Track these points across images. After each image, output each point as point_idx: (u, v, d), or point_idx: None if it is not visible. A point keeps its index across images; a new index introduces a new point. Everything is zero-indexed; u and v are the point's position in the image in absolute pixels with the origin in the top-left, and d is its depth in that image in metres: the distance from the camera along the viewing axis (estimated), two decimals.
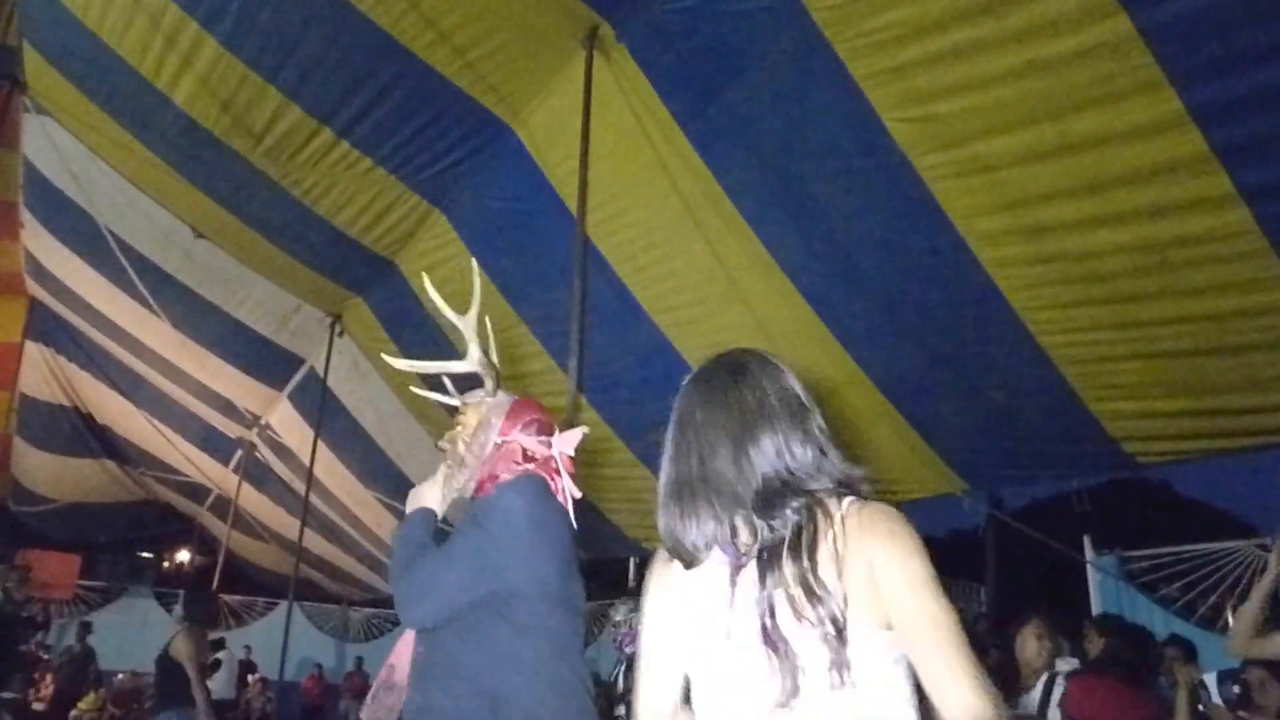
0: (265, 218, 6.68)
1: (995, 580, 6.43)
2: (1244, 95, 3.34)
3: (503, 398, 2.41)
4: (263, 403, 10.75)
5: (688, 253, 5.44)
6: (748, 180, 4.95)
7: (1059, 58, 3.57)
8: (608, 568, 9.19)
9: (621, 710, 5.09)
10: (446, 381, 2.57)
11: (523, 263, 6.22)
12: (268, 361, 9.38)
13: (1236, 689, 3.05)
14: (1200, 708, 3.31)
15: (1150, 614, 6.00)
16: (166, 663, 5.17)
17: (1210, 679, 3.57)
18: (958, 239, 4.30)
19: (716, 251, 5.31)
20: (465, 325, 2.52)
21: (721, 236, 5.21)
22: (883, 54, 3.96)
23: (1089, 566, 5.97)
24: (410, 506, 2.26)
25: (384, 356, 3.14)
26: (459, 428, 2.40)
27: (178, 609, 6.07)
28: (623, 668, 5.17)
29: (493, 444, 2.30)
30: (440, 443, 2.42)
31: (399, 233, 6.62)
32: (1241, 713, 2.98)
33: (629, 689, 4.47)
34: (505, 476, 2.24)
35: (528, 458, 2.28)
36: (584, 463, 7.43)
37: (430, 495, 2.30)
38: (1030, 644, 3.92)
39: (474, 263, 2.67)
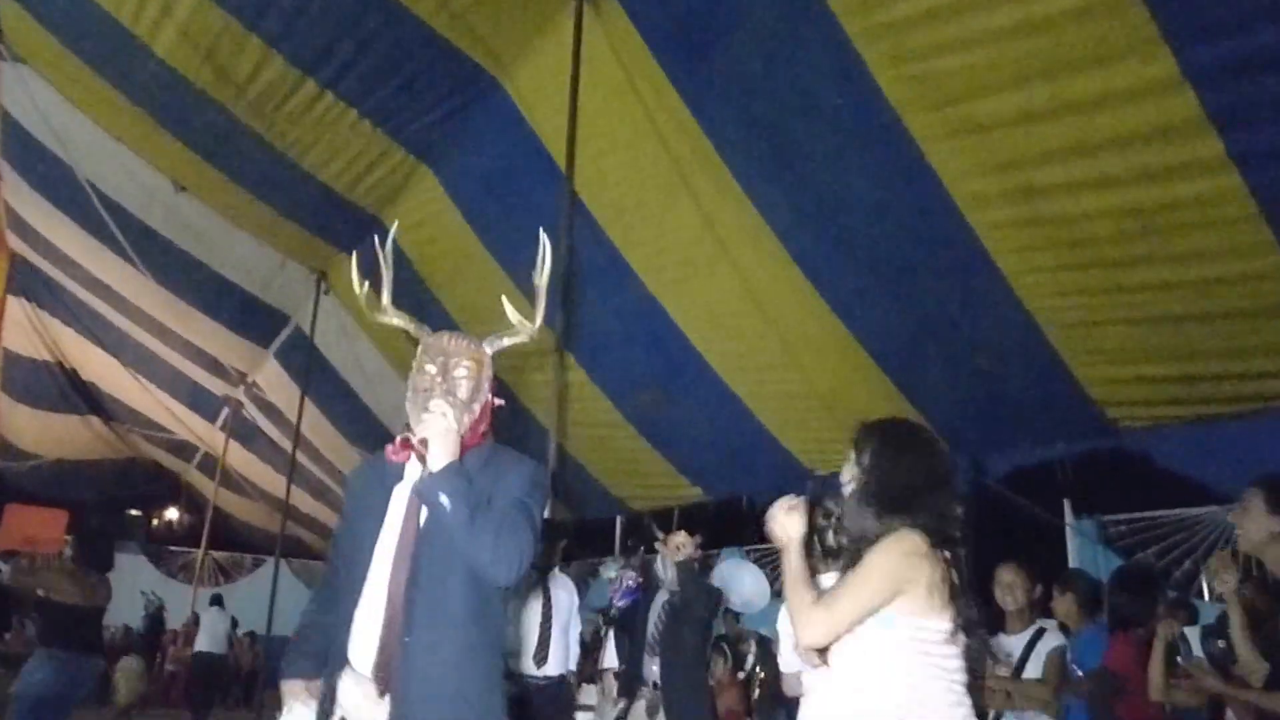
0: (249, 172, 6.57)
1: (975, 545, 6.47)
2: (1241, 58, 3.30)
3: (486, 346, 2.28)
4: (249, 361, 10.68)
5: (677, 212, 5.39)
6: (738, 139, 4.89)
7: (1055, 16, 3.51)
8: (595, 527, 9.21)
9: (609, 659, 5.13)
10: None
11: (510, 220, 6.15)
12: (253, 319, 9.30)
13: (1221, 643, 3.06)
14: (1179, 660, 3.34)
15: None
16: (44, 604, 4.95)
17: (1193, 633, 3.60)
18: (948, 201, 4.26)
19: (706, 212, 5.26)
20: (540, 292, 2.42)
21: (711, 197, 5.16)
22: (877, 9, 3.90)
23: (1068, 530, 6.01)
24: (441, 455, 1.99)
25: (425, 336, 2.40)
26: (473, 366, 2.18)
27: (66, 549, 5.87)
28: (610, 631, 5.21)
29: (488, 398, 2.22)
30: (447, 382, 2.15)
31: (386, 188, 6.52)
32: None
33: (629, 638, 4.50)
34: (484, 429, 2.21)
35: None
36: (571, 421, 7.41)
37: (453, 443, 2.02)
38: (1000, 591, 3.87)
39: (543, 236, 2.54)
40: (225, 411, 12.28)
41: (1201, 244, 3.87)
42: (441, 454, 1.99)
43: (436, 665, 1.98)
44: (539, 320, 2.33)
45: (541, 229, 2.53)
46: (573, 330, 5.54)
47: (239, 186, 6.78)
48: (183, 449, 14.89)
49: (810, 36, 4.18)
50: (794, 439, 6.33)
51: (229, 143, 6.18)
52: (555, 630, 4.48)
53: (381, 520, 2.10)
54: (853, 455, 2.12)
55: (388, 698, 1.97)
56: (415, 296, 7.23)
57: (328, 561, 2.48)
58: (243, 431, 12.48)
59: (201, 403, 12.33)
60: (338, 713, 2.03)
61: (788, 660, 2.77)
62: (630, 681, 4.57)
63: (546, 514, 4.97)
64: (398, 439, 2.13)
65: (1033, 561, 4.77)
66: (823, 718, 2.00)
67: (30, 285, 11.24)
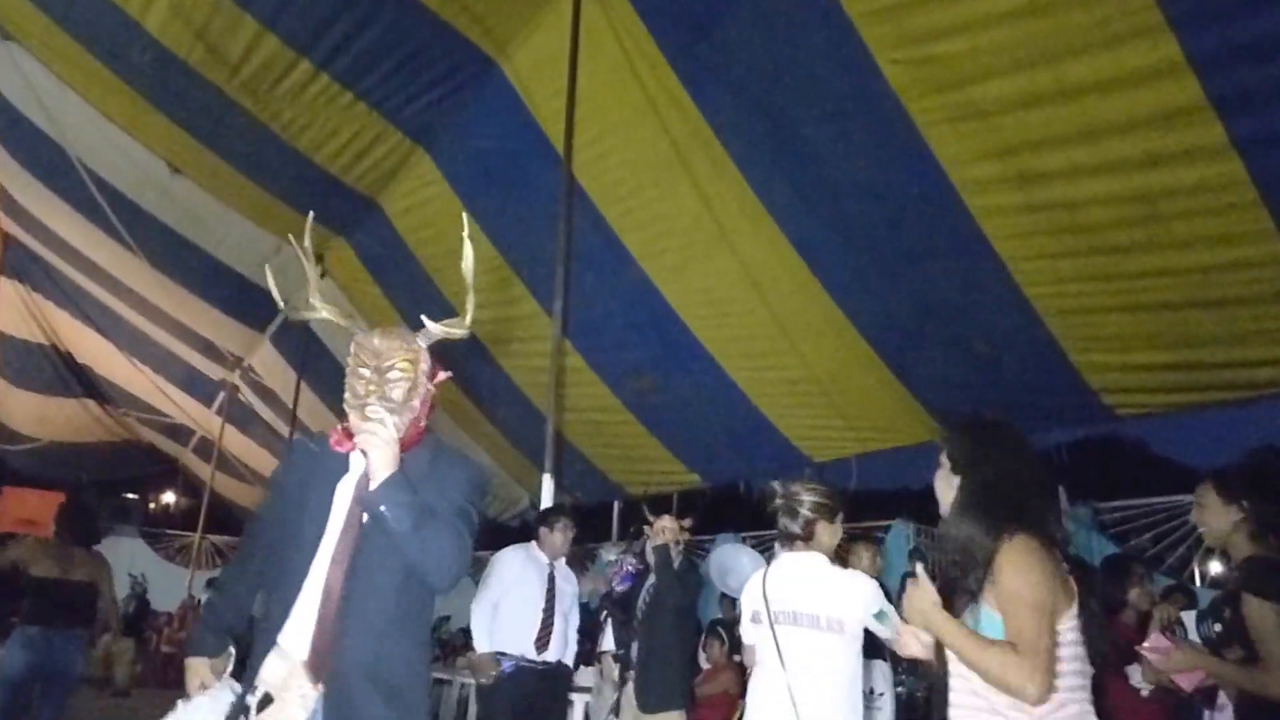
0: (243, 154, 6.51)
1: None
2: (1244, 43, 3.28)
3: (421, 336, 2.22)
4: (244, 344, 10.64)
5: (676, 196, 5.36)
6: (738, 122, 4.86)
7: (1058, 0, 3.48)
8: (593, 511, 9.22)
9: (607, 642, 5.17)
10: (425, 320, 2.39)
11: (508, 203, 6.12)
12: (248, 303, 9.24)
13: (1217, 627, 3.06)
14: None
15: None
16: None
17: (1189, 617, 3.60)
18: (948, 186, 4.24)
19: (704, 195, 5.23)
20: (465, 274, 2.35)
21: (710, 180, 5.13)
22: None
23: (1063, 516, 6.04)
24: (381, 467, 1.98)
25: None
26: (407, 367, 2.12)
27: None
28: (607, 614, 5.23)
29: (426, 389, 2.17)
30: (382, 385, 2.09)
31: (382, 171, 6.48)
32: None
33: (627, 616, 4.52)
34: (424, 423, 2.21)
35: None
36: (568, 407, 7.38)
37: (393, 454, 2.00)
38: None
39: (465, 220, 2.42)
40: (221, 395, 12.25)
41: (1201, 230, 3.85)
42: (382, 466, 1.99)
43: (370, 658, 1.99)
44: (469, 316, 2.26)
45: (465, 213, 2.49)
46: (570, 315, 5.52)
47: (233, 168, 6.72)
48: (178, 432, 14.86)
49: (811, 19, 4.14)
50: (792, 425, 6.33)
51: (222, 124, 6.12)
52: (556, 618, 4.49)
53: (324, 511, 2.08)
54: (949, 461, 2.00)
55: (320, 687, 1.95)
56: (412, 278, 7.20)
57: (248, 535, 2.36)
58: (238, 415, 12.45)
59: (197, 386, 12.29)
60: (260, 689, 1.99)
61: (748, 631, 2.84)
62: (626, 664, 4.62)
63: (547, 500, 5.00)
64: (339, 428, 2.13)
65: None
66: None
67: (23, 267, 11.18)
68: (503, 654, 4.36)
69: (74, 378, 13.30)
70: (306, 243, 2.47)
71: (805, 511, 2.74)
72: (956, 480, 1.96)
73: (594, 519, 9.21)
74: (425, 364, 2.18)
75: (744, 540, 7.05)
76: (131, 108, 6.37)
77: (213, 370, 11.59)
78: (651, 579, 4.45)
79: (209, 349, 10.84)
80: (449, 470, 2.16)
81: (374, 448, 2.00)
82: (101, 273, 9.76)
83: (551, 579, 4.57)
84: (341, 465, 2.11)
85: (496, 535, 10.52)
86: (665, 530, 4.35)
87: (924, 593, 1.89)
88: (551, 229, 5.24)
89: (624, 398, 6.90)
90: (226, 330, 10.17)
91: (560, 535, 4.60)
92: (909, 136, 4.17)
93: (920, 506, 4.62)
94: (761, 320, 5.69)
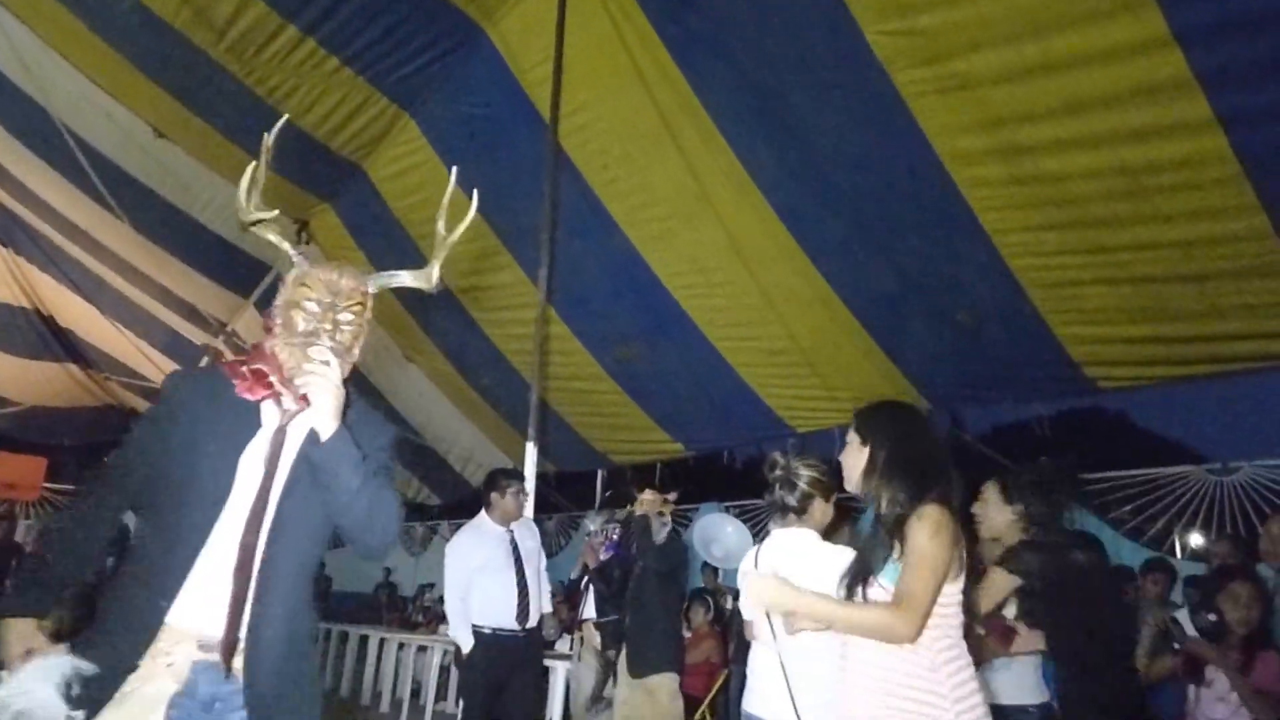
0: (228, 118, 6.44)
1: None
2: (1230, 17, 3.30)
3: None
4: (228, 309, 10.58)
5: (662, 165, 5.36)
6: (725, 92, 4.84)
7: None
8: (576, 480, 9.27)
9: (587, 612, 5.22)
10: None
11: (494, 171, 6.08)
12: (233, 268, 9.19)
13: (1212, 617, 3.21)
14: (1176, 646, 3.43)
15: (1101, 535, 6.17)
16: None
17: (1183, 615, 3.66)
18: (934, 158, 4.26)
19: (691, 165, 5.23)
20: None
21: (696, 149, 5.12)
22: None
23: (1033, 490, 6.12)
24: (329, 416, 1.79)
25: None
26: (360, 310, 1.94)
27: None
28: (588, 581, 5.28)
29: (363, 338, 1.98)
30: (335, 326, 1.90)
31: (367, 137, 6.43)
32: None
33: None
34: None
35: None
36: (552, 376, 7.38)
37: (339, 402, 1.82)
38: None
39: (452, 176, 2.30)
40: (205, 360, 12.20)
41: (1185, 205, 3.89)
42: (329, 416, 1.79)
43: (286, 635, 1.79)
44: (437, 270, 2.07)
45: (453, 169, 2.31)
46: (555, 283, 5.53)
47: (217, 132, 6.65)
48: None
49: None
50: (775, 394, 6.37)
51: (208, 88, 6.05)
52: (530, 584, 4.45)
53: (229, 465, 1.80)
54: (858, 437, 2.25)
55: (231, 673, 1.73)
56: (396, 245, 7.17)
57: (105, 480, 1.87)
58: None
59: (180, 351, 12.22)
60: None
61: (748, 607, 2.85)
62: (617, 633, 4.65)
63: (530, 468, 5.00)
64: (247, 371, 1.86)
65: None
66: (850, 682, 2.12)
67: (6, 230, 11.06)
68: (480, 628, 4.33)
69: (57, 342, 13.21)
70: (270, 141, 2.24)
71: (803, 485, 2.78)
72: (866, 452, 2.20)
73: (578, 487, 9.28)
74: (370, 313, 1.98)
75: (727, 509, 7.11)
76: (116, 71, 6.29)
77: (196, 335, 11.54)
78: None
79: (192, 313, 10.78)
80: (368, 425, 1.96)
81: (322, 393, 1.78)
82: (85, 236, 9.68)
83: (514, 546, 4.48)
84: (248, 412, 1.85)
85: (479, 503, 10.60)
86: (645, 503, 4.37)
87: (763, 581, 2.16)
88: (537, 197, 5.24)
89: (608, 366, 6.93)
90: (211, 294, 10.11)
91: (512, 499, 4.48)
92: (896, 108, 4.18)
93: None
94: (746, 290, 5.71)
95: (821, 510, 2.79)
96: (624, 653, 4.39)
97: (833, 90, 4.44)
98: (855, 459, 2.23)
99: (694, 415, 7.08)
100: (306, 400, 1.81)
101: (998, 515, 3.10)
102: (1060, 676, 3.05)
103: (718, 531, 3.69)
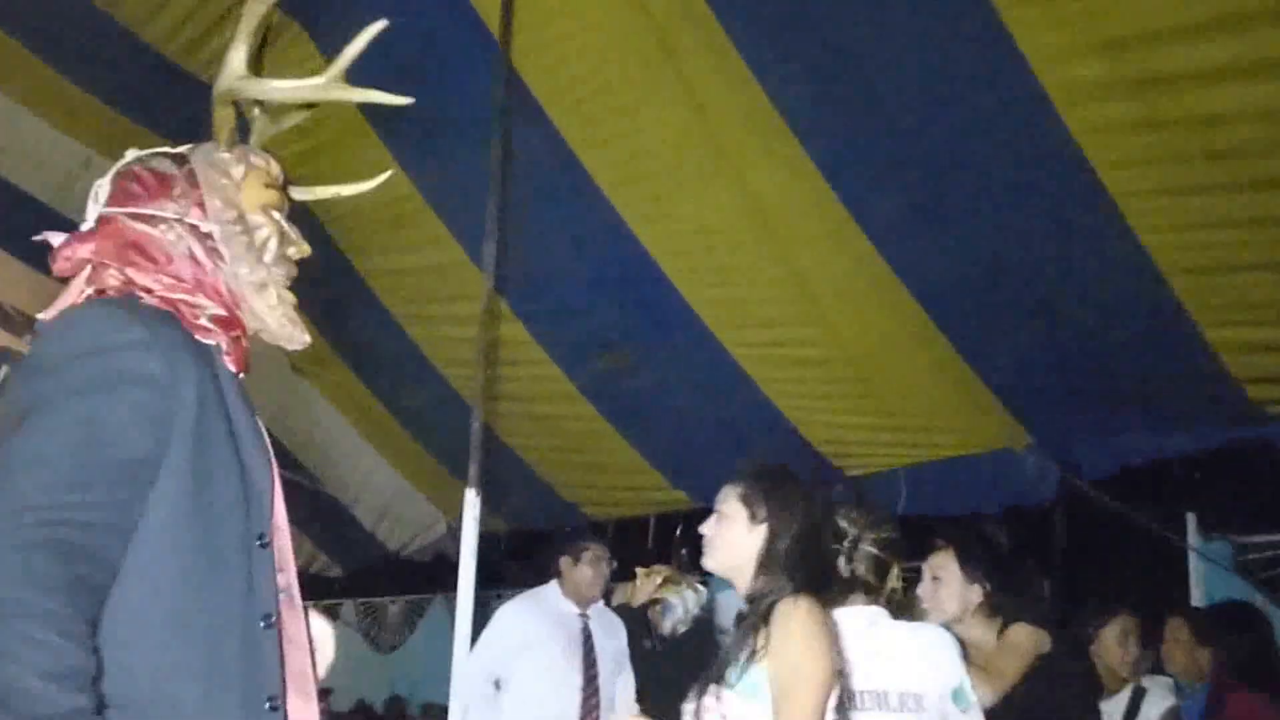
0: (45, 34, 6.45)
1: (1065, 569, 6.60)
2: None
3: None
4: (43, 302, 10.56)
5: (657, 99, 5.38)
6: None
7: None
8: (537, 543, 9.27)
9: None
10: None
11: (421, 108, 6.07)
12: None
13: None
14: None
15: (1273, 619, 6.19)
16: None
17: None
18: (1035, 91, 4.29)
19: (698, 99, 5.26)
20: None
21: (705, 77, 5.15)
22: None
23: (1191, 554, 6.14)
24: None
25: None
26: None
27: None
28: None
29: None
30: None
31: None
32: None
33: None
34: None
35: None
36: (503, 395, 7.38)
37: None
38: (1113, 649, 4.13)
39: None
40: (3, 370, 12.15)
41: None
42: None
43: None
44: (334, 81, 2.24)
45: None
46: (507, 265, 5.53)
47: (31, 55, 6.66)
48: None
49: None
50: (815, 422, 6.40)
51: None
52: (602, 694, 4.37)
53: (266, 462, 1.82)
54: (747, 510, 2.66)
55: None
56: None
57: (103, 524, 1.51)
58: None
59: None
60: None
61: None
62: None
63: (471, 526, 4.99)
64: (213, 316, 1.83)
65: (1140, 596, 4.92)
66: None
67: None
68: None
69: None
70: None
71: (874, 550, 2.89)
72: (762, 533, 2.55)
73: (539, 553, 9.27)
74: None
75: None
76: None
77: None
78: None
79: None
80: None
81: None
82: None
83: (587, 636, 4.50)
84: (224, 373, 1.82)
85: (401, 575, 10.52)
86: (641, 589, 4.33)
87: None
88: (482, 144, 5.25)
89: (582, 382, 6.94)
90: (17, 279, 10.08)
91: (591, 570, 4.48)
92: (982, 20, 4.21)
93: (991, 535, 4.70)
94: (775, 277, 5.75)
95: (896, 578, 2.89)
96: None
97: None
98: (738, 537, 2.59)
99: (702, 452, 7.07)
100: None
101: (955, 595, 3.47)
102: None
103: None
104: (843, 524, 2.96)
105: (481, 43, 5.41)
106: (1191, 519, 6.11)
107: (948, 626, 3.48)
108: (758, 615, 2.40)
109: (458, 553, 4.76)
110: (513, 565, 9.07)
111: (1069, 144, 4.40)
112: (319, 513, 9.84)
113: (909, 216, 5.21)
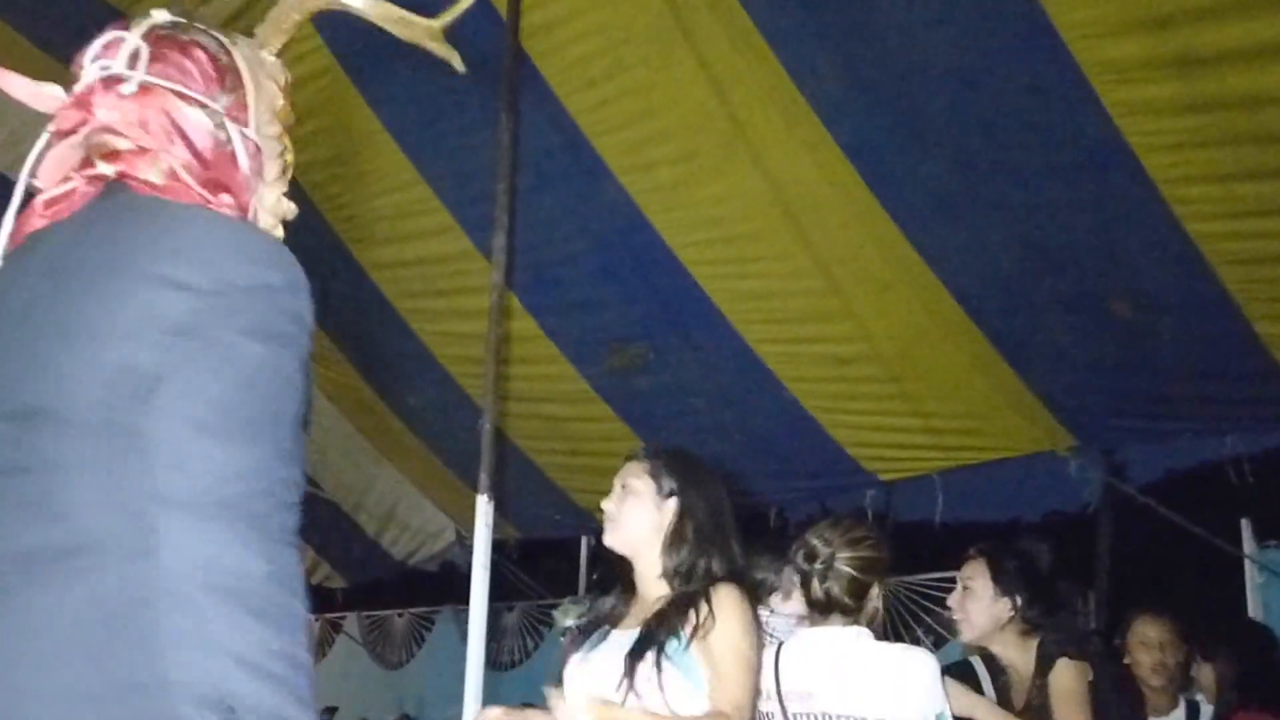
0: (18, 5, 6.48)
1: (1112, 578, 6.59)
2: None
3: None
4: None
5: (673, 79, 5.41)
6: None
7: None
8: (550, 552, 9.32)
9: None
10: None
11: (425, 91, 6.16)
12: None
13: None
14: None
15: None
16: None
17: None
18: (1073, 70, 4.32)
19: (715, 77, 5.28)
20: None
21: (723, 55, 5.17)
22: None
23: (1247, 563, 6.13)
24: None
25: None
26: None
27: None
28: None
29: None
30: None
31: (224, 17, 6.46)
32: None
33: None
34: None
35: None
36: (514, 395, 7.42)
37: None
38: (1139, 653, 4.13)
39: None
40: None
41: None
42: None
43: None
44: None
45: None
46: (517, 257, 5.56)
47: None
48: None
49: None
50: (844, 423, 6.43)
51: None
52: None
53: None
54: (655, 485, 2.79)
55: None
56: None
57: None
58: None
59: None
60: None
61: None
62: None
63: (484, 534, 5.02)
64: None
65: (1192, 608, 4.92)
66: None
67: None
68: None
69: None
70: None
71: (851, 570, 2.92)
72: (671, 507, 2.71)
73: (552, 562, 9.29)
74: None
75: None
76: None
77: None
78: None
79: None
80: None
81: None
82: None
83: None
84: None
85: (407, 586, 10.53)
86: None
87: (578, 705, 2.47)
88: (490, 129, 5.28)
89: (596, 381, 6.97)
90: None
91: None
92: None
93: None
94: (799, 268, 5.78)
95: (878, 597, 2.93)
96: None
97: None
98: (646, 512, 2.69)
99: (724, 455, 7.10)
100: None
101: (984, 609, 3.51)
102: None
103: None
104: (815, 543, 2.99)
105: (488, 20, 5.45)
106: (1246, 525, 6.08)
107: (983, 646, 3.62)
108: (698, 591, 2.55)
109: (467, 563, 4.76)
110: (521, 574, 9.09)
111: (1109, 127, 4.43)
112: (318, 520, 9.83)
113: (941, 204, 5.24)
